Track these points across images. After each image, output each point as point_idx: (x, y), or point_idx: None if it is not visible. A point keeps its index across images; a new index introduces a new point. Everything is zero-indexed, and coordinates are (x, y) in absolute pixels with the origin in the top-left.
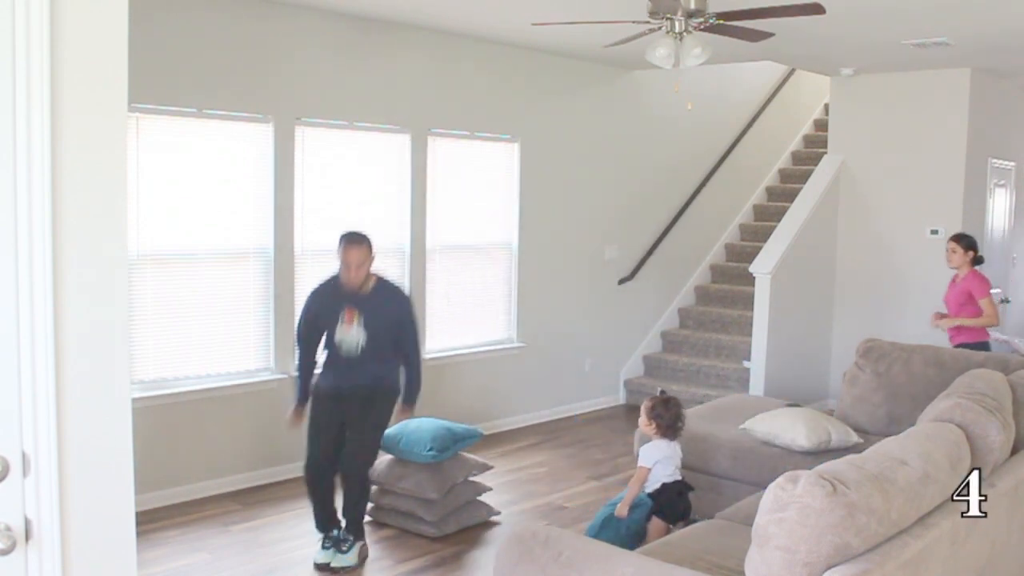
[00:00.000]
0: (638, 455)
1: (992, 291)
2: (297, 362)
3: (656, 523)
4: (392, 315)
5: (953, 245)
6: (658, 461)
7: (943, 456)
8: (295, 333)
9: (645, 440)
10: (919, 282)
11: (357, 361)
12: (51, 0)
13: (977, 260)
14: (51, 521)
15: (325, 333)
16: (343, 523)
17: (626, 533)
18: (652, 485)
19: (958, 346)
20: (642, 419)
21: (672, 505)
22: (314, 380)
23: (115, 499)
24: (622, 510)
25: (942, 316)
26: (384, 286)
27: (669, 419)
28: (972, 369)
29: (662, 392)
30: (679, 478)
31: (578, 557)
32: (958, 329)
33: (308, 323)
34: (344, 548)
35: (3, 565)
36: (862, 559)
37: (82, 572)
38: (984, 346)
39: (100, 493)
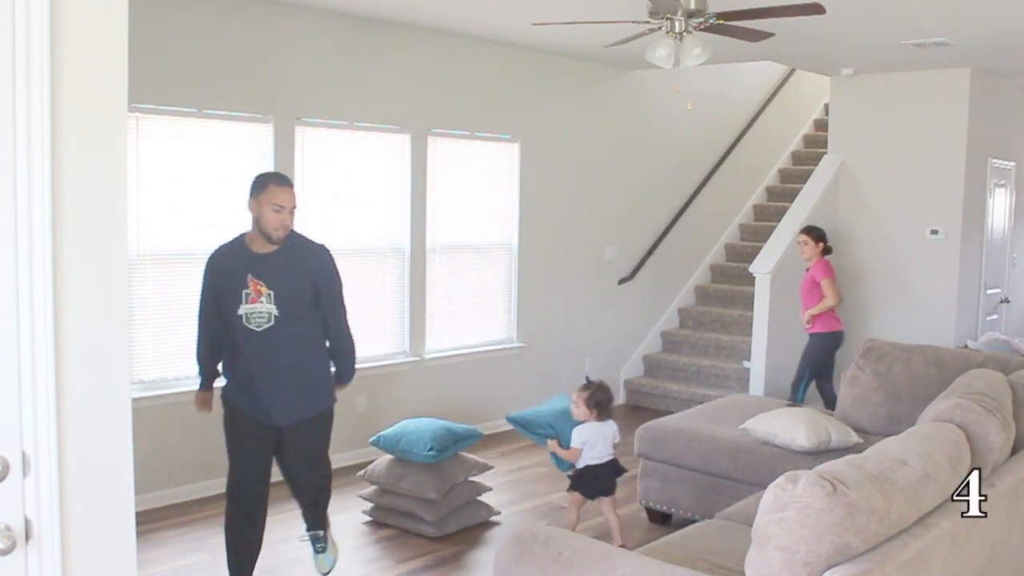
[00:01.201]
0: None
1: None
2: (196, 341)
3: (574, 496)
4: (308, 274)
5: (804, 238)
6: (586, 442)
7: (943, 456)
8: (197, 312)
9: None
10: (919, 282)
11: (272, 349)
12: (51, 0)
13: (827, 250)
14: (51, 521)
15: (229, 313)
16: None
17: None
18: (581, 462)
19: (813, 334)
20: (580, 408)
21: (588, 485)
22: (227, 386)
23: (115, 499)
24: (553, 448)
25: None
26: (298, 240)
27: (606, 403)
28: (972, 369)
29: (588, 378)
30: (606, 460)
31: (578, 557)
32: (813, 319)
33: (210, 296)
34: (319, 547)
35: (3, 565)
36: (862, 559)
37: (82, 572)
38: (837, 336)
39: (100, 493)
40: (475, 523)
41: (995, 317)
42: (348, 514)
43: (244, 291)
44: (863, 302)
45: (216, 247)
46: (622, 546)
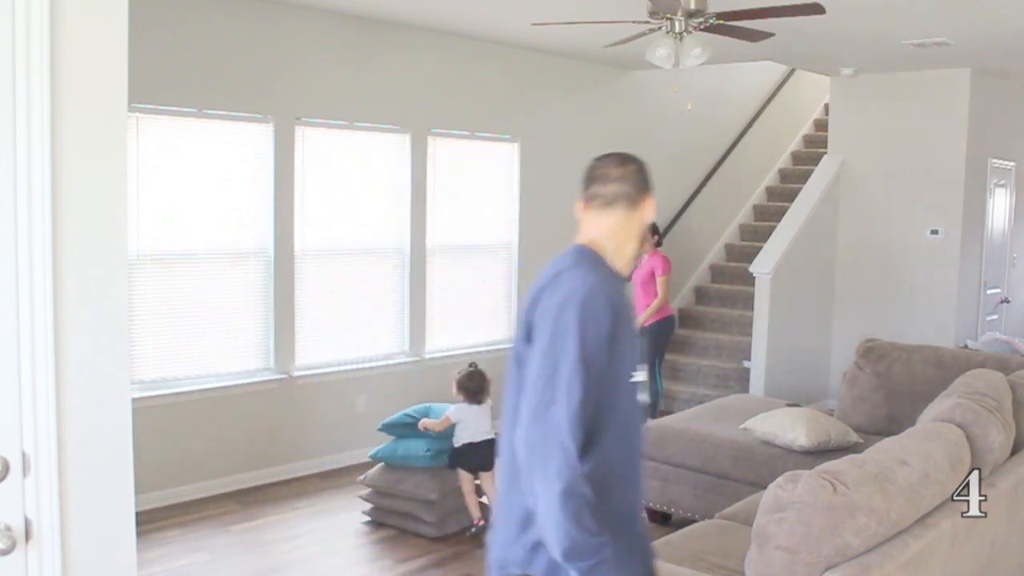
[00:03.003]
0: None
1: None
2: (566, 468)
3: (462, 475)
4: None
5: None
6: (461, 421)
7: (943, 456)
8: (568, 413)
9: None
10: (919, 282)
11: (643, 439)
12: (51, 1)
13: (658, 243)
14: (51, 521)
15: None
16: None
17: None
18: (457, 442)
19: (647, 326)
20: (453, 388)
21: (469, 461)
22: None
23: (115, 499)
24: (425, 424)
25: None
26: None
27: (473, 388)
28: (972, 369)
29: (472, 365)
30: (485, 438)
31: None
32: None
33: (602, 359)
34: None
35: (3, 565)
36: (862, 559)
37: (82, 572)
38: (671, 320)
39: (100, 493)
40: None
41: (995, 317)
42: (348, 514)
43: (639, 342)
44: (863, 302)
45: (586, 272)
46: None
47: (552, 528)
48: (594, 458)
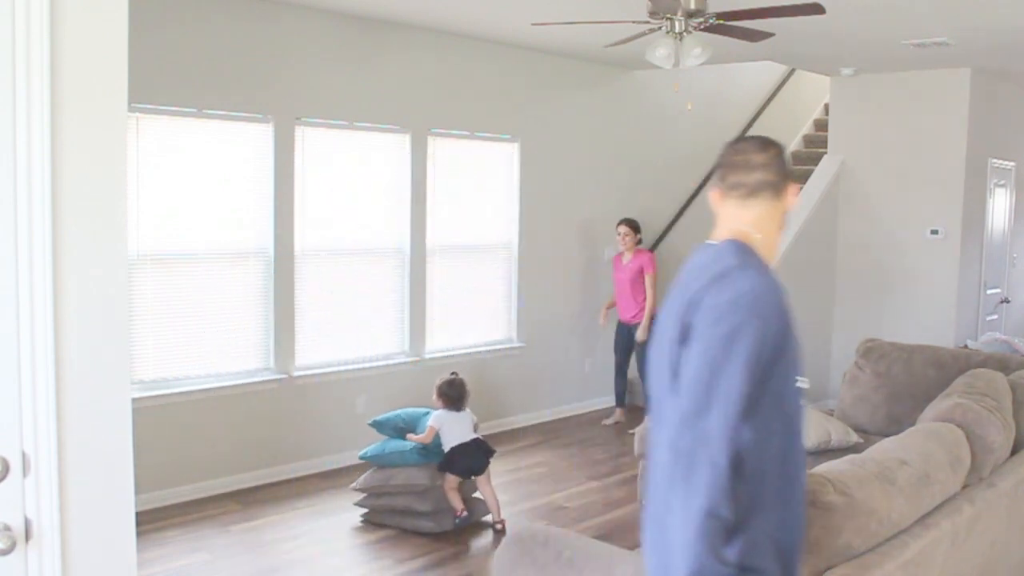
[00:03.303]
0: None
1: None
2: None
3: (448, 477)
4: None
5: (627, 230)
6: (443, 426)
7: (943, 456)
8: (724, 425)
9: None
10: (919, 282)
11: None
12: (51, 1)
13: (639, 241)
14: (51, 521)
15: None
16: None
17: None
18: (446, 446)
19: (637, 323)
20: (434, 395)
21: (457, 465)
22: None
23: (115, 499)
24: (411, 439)
25: (611, 307)
26: None
27: (454, 395)
28: (972, 369)
29: (453, 374)
30: (472, 438)
31: (578, 557)
32: (639, 312)
33: (773, 385)
34: None
35: (3, 565)
36: (862, 559)
37: (82, 572)
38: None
39: (100, 493)
40: (473, 520)
41: (995, 317)
42: (348, 514)
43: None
44: (863, 302)
45: (757, 274)
46: (500, 522)
47: (683, 546)
48: (747, 477)
